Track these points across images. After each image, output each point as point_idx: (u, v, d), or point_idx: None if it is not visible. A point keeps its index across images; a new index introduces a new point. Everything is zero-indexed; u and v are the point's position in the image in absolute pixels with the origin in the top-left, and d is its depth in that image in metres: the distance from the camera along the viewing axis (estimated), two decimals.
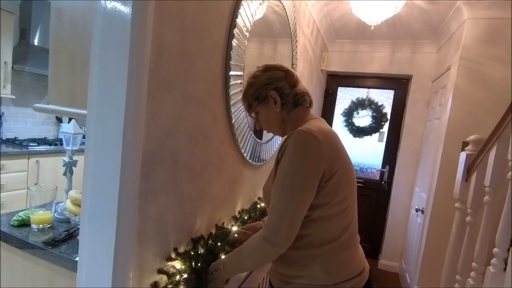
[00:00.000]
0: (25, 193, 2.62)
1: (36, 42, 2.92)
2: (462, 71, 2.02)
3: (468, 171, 1.26)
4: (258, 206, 1.63)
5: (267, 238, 0.79)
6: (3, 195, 2.47)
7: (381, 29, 2.60)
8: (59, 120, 3.37)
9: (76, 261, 0.87)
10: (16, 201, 2.56)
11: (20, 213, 1.05)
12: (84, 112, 0.88)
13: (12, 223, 1.04)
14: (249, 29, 1.19)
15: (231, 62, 1.10)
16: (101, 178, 0.72)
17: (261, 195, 1.78)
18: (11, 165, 2.49)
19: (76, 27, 0.91)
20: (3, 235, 1.00)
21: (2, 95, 2.61)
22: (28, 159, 2.61)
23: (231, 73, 1.12)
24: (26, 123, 3.09)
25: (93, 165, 0.73)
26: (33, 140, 2.93)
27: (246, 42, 1.18)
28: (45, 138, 3.18)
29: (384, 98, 3.20)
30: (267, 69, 0.95)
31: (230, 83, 1.13)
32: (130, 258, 0.77)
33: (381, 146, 3.18)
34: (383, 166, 3.15)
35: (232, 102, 1.16)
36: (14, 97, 2.70)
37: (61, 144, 2.95)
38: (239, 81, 1.19)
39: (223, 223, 1.28)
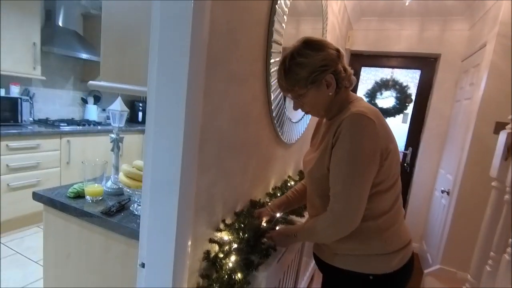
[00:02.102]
0: (59, 171, 2.75)
1: (60, 23, 2.96)
2: (498, 48, 1.94)
3: (508, 150, 1.25)
4: (289, 184, 1.67)
5: (336, 219, 0.82)
6: (40, 172, 2.60)
7: (411, 5, 2.50)
8: (85, 101, 3.47)
9: (133, 229, 0.94)
10: (51, 179, 2.69)
11: (75, 186, 1.12)
12: (137, 88, 0.91)
13: (68, 194, 1.11)
14: (289, 5, 1.18)
15: (272, 39, 1.10)
16: (163, 152, 0.76)
17: (291, 174, 1.81)
18: (46, 144, 2.60)
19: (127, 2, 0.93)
20: (60, 205, 1.07)
21: (33, 76, 2.69)
22: (61, 139, 2.71)
23: (272, 50, 1.12)
24: (55, 104, 3.19)
25: (154, 140, 0.76)
26: (63, 121, 3.04)
27: (286, 18, 1.17)
28: (72, 118, 3.29)
29: (409, 78, 3.12)
30: (317, 47, 0.85)
31: (271, 61, 1.13)
32: (189, 227, 0.83)
33: (405, 127, 3.13)
34: (406, 148, 3.11)
35: (272, 80, 1.17)
36: (44, 78, 2.78)
37: (88, 125, 3.07)
38: (278, 59, 1.20)
39: (260, 199, 1.32)
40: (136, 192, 1.02)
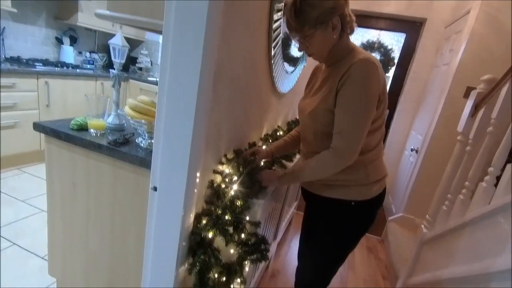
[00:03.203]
0: (37, 113, 2.65)
1: None
2: (481, 16, 2.05)
3: (476, 108, 1.41)
4: (278, 133, 1.77)
5: (337, 155, 0.92)
6: (17, 113, 2.50)
7: None
8: (59, 41, 3.24)
9: (142, 157, 1.00)
10: (30, 121, 2.60)
11: (77, 118, 1.14)
12: (153, 20, 0.92)
13: (71, 127, 1.13)
14: None
15: None
16: (180, 85, 0.80)
17: (280, 124, 1.91)
18: (21, 84, 2.47)
19: None
20: (65, 136, 1.10)
21: (3, 8, 2.45)
22: (37, 79, 2.58)
23: None
24: (26, 41, 2.95)
25: (171, 74, 0.80)
26: (37, 60, 2.86)
27: None
28: (47, 59, 3.09)
29: (395, 41, 3.21)
30: None
31: (275, 5, 1.15)
32: (201, 155, 0.90)
33: None
34: (385, 117, 3.30)
35: (274, 26, 1.20)
36: (16, 10, 2.54)
37: (67, 67, 2.91)
38: (281, 4, 1.21)
39: (254, 141, 1.42)
40: (143, 125, 1.06)
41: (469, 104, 1.45)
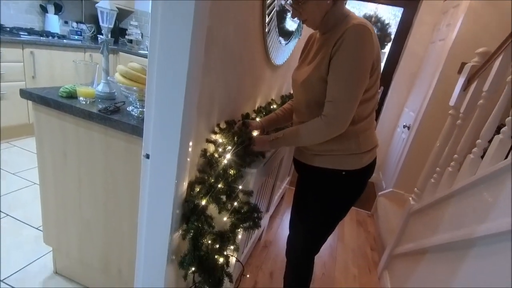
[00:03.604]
0: (24, 85, 2.57)
1: None
2: None
3: (468, 81, 1.41)
4: (272, 106, 1.76)
5: (329, 123, 0.91)
6: (4, 85, 2.42)
7: None
8: (44, 10, 3.09)
9: (134, 125, 0.99)
10: (16, 93, 2.52)
11: (66, 86, 1.11)
12: None
13: (60, 94, 1.10)
14: None
15: None
16: (171, 48, 0.77)
17: (273, 97, 1.89)
18: (7, 54, 2.37)
19: None
20: (54, 103, 1.08)
21: None
22: (23, 49, 2.48)
23: None
24: (9, 9, 2.81)
25: (161, 35, 0.77)
26: (21, 29, 2.74)
27: None
28: (31, 28, 2.96)
29: (392, 16, 3.14)
30: None
31: None
32: (193, 122, 0.90)
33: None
34: (378, 87, 3.28)
35: None
36: None
37: (52, 37, 2.80)
38: None
39: (247, 113, 1.41)
40: (134, 92, 1.04)
41: (461, 79, 1.45)
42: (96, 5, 1.08)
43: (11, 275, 1.37)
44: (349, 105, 0.90)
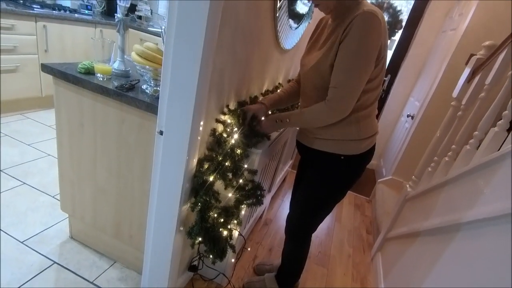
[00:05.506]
0: (37, 58, 2.62)
1: None
2: None
3: (473, 74, 1.44)
4: (278, 90, 1.80)
5: (332, 108, 0.97)
6: (17, 57, 2.47)
7: None
8: None
9: (149, 102, 1.05)
10: (29, 65, 2.58)
11: (85, 62, 1.16)
12: None
13: (79, 70, 1.16)
14: None
15: None
16: (187, 27, 0.82)
17: (281, 81, 1.93)
18: (21, 26, 2.41)
19: None
20: (73, 79, 1.14)
21: None
22: (36, 22, 2.51)
23: None
24: None
25: (179, 16, 0.82)
26: (34, 2, 2.75)
27: None
28: (43, 1, 2.97)
29: (404, 2, 3.09)
30: None
31: None
32: (205, 100, 0.96)
33: (389, 54, 3.24)
34: (386, 75, 3.28)
35: None
36: None
37: (64, 11, 2.81)
38: None
39: (255, 96, 1.46)
40: (148, 71, 1.10)
41: (467, 70, 1.47)
42: None
43: (29, 238, 1.49)
44: (352, 91, 0.94)
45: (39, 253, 1.42)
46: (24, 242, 1.46)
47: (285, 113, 1.14)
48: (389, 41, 3.25)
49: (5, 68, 2.41)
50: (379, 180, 2.89)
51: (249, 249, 1.80)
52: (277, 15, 1.32)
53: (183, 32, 0.84)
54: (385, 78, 3.26)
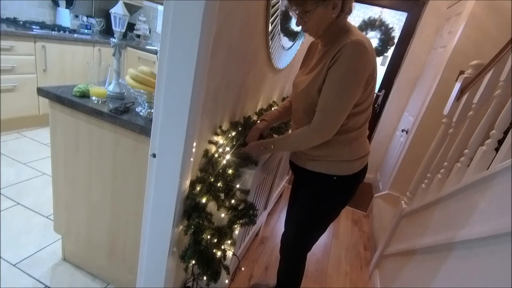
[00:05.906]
0: (35, 77, 2.66)
1: None
2: None
3: (461, 92, 1.47)
4: (273, 108, 1.83)
5: (314, 130, 0.99)
6: (16, 77, 2.51)
7: None
8: (56, 3, 3.16)
9: (142, 125, 1.07)
10: (28, 85, 2.62)
11: (80, 85, 1.18)
12: None
13: (74, 93, 1.18)
14: None
15: None
16: (179, 54, 0.85)
17: (275, 99, 1.96)
18: (19, 47, 2.46)
19: None
20: (68, 102, 1.16)
21: None
22: (35, 43, 2.56)
23: None
24: (21, 3, 2.89)
25: (171, 42, 0.84)
26: (33, 23, 2.82)
27: None
28: (43, 22, 3.04)
29: (396, 20, 3.18)
30: None
31: None
32: (197, 124, 0.97)
33: (382, 70, 3.30)
34: (380, 90, 3.34)
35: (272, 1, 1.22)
36: None
37: (64, 31, 2.87)
38: None
39: (249, 115, 1.48)
40: (143, 95, 1.12)
41: (456, 88, 1.51)
42: (110, 10, 1.16)
43: (22, 261, 1.47)
44: (335, 115, 0.97)
45: (31, 276, 1.40)
46: (16, 265, 1.44)
47: (269, 139, 1.16)
48: (381, 57, 3.30)
49: (4, 87, 2.44)
50: (376, 195, 2.89)
51: (243, 269, 1.78)
52: (269, 37, 1.36)
53: (176, 58, 0.86)
54: (379, 93, 3.31)
